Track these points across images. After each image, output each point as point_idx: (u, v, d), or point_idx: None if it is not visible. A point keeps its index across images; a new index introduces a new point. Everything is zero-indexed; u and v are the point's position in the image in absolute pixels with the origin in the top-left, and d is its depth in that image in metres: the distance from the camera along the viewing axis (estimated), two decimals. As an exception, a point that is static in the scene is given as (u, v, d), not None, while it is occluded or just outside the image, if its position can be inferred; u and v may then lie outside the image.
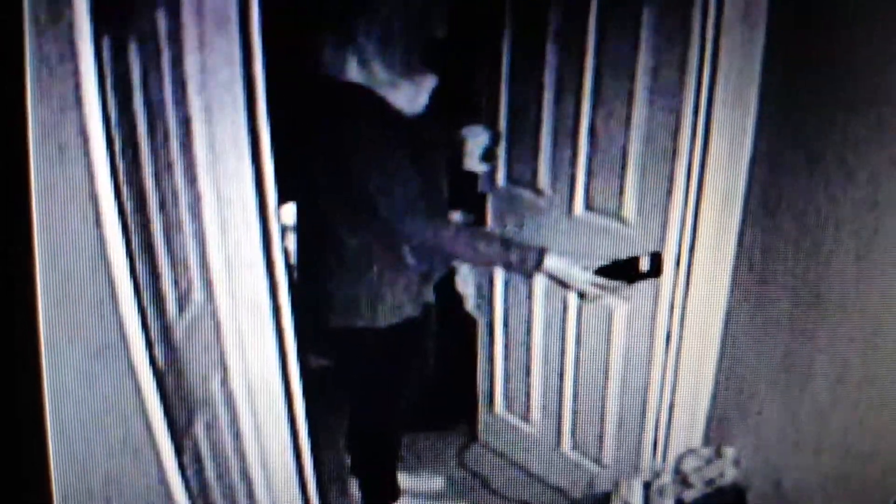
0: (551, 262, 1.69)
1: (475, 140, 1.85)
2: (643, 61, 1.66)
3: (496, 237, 1.78)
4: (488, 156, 1.88)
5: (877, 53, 1.50)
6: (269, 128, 1.51)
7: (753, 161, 1.68)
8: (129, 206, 1.32)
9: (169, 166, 1.44)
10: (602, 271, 1.71)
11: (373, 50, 1.63)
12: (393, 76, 1.65)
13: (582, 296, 1.80)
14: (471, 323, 2.08)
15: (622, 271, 1.73)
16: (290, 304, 1.65)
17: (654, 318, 1.82)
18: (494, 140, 1.87)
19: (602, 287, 1.72)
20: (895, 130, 1.51)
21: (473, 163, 1.87)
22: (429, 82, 1.70)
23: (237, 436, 1.67)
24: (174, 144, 1.44)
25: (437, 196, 1.79)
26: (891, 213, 1.55)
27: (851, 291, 1.62)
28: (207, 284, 1.55)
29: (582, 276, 1.70)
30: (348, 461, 1.96)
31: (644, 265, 1.72)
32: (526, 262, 1.70)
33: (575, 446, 2.03)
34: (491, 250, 1.69)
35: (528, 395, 2.06)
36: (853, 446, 1.67)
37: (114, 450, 1.39)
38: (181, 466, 1.45)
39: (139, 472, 1.42)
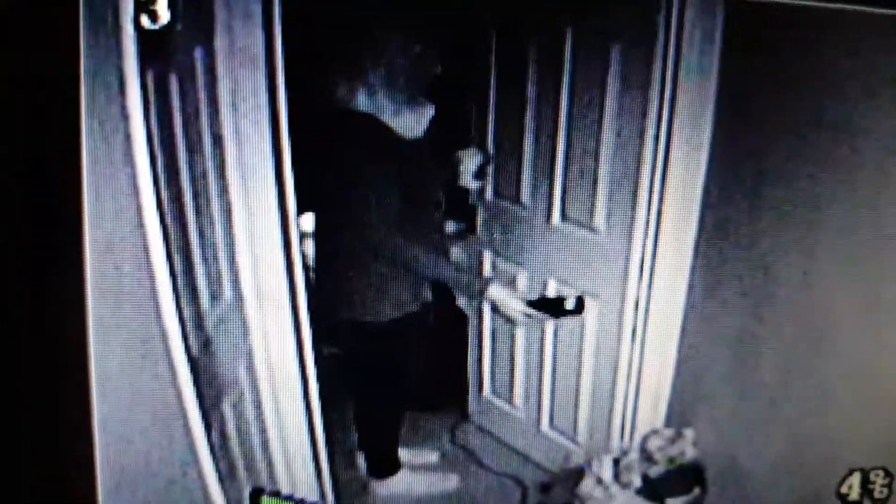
0: (493, 291, 1.78)
1: (469, 160, 1.90)
2: (611, 95, 1.70)
3: (454, 263, 1.87)
4: (480, 174, 1.92)
5: (819, 85, 1.55)
6: (290, 149, 1.57)
7: (707, 181, 1.71)
8: (169, 216, 1.38)
9: (204, 180, 1.49)
10: (533, 305, 1.78)
11: (378, 84, 1.69)
12: (396, 106, 1.71)
13: (510, 321, 1.88)
14: (463, 317, 2.09)
15: (550, 307, 1.80)
16: (306, 300, 1.70)
17: (621, 314, 1.86)
18: (486, 160, 1.91)
19: (529, 317, 1.80)
20: (834, 159, 1.57)
21: (467, 180, 1.91)
22: (428, 112, 1.76)
23: (259, 414, 1.71)
24: (209, 162, 1.50)
25: (432, 207, 1.84)
26: (831, 230, 1.60)
27: (796, 297, 1.67)
28: (236, 282, 1.60)
29: (515, 307, 1.78)
30: (355, 437, 1.99)
31: (569, 304, 1.79)
32: (472, 287, 1.79)
33: (553, 426, 2.05)
34: (446, 273, 1.78)
35: (511, 380, 2.07)
36: (800, 432, 1.71)
37: (151, 427, 1.44)
38: (209, 440, 1.50)
39: (172, 447, 1.47)
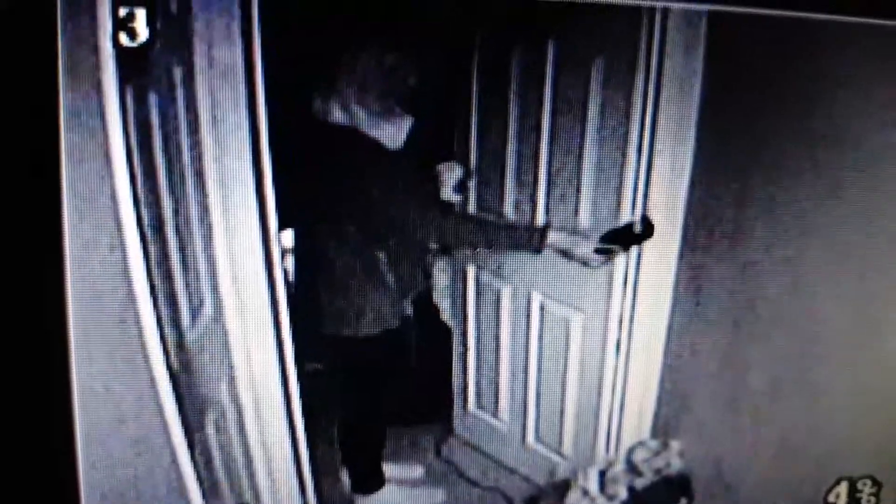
0: (554, 237, 1.74)
1: (450, 174, 1.88)
2: (593, 107, 1.69)
3: (501, 223, 1.82)
4: (461, 188, 1.90)
5: (804, 94, 1.56)
6: (271, 164, 1.55)
7: (690, 196, 1.70)
8: (149, 233, 1.38)
9: (184, 197, 1.48)
10: (604, 239, 1.72)
11: (352, 97, 1.69)
12: (372, 118, 1.71)
13: (586, 264, 1.79)
14: (446, 331, 2.07)
15: (620, 238, 1.72)
16: (288, 315, 1.68)
17: (605, 327, 1.84)
18: (466, 175, 1.90)
19: (603, 252, 1.74)
20: (814, 170, 1.58)
21: (448, 193, 1.89)
22: (406, 123, 1.76)
23: (242, 432, 1.70)
24: (189, 178, 1.48)
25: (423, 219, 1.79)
26: (816, 239, 1.61)
27: (783, 306, 1.66)
28: (217, 299, 1.59)
29: (583, 248, 1.74)
30: (339, 454, 1.97)
31: (637, 228, 1.71)
32: (532, 239, 1.75)
33: (538, 439, 2.03)
34: (499, 235, 1.77)
35: (496, 394, 2.05)
36: (787, 441, 1.71)
37: (134, 446, 1.44)
38: (193, 459, 1.50)
39: (156, 465, 1.47)
